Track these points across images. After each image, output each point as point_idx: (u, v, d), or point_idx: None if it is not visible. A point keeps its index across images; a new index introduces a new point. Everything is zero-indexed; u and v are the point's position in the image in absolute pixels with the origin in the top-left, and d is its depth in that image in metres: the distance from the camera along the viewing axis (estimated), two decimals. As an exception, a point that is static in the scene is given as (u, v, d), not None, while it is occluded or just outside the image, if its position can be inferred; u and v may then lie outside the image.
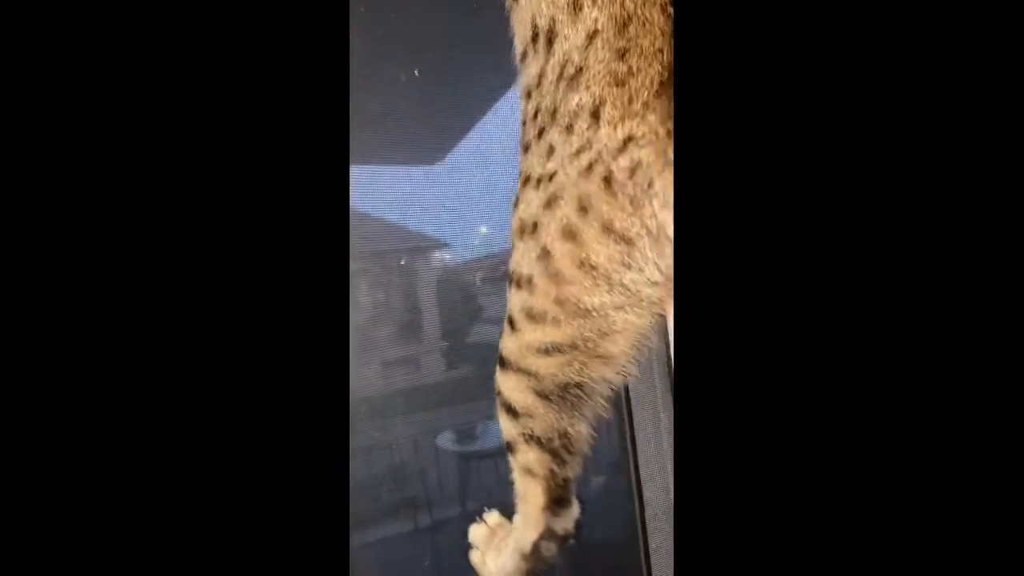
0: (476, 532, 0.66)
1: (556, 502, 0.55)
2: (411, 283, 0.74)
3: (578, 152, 0.46)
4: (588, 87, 0.45)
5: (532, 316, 0.49)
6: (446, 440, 0.82)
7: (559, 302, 0.47)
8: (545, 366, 0.49)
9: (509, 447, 0.55)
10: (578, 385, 0.50)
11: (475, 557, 0.65)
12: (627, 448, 0.85)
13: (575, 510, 0.57)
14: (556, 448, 0.52)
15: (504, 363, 0.53)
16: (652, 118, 0.44)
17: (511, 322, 0.52)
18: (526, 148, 0.52)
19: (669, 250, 0.44)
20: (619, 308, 0.46)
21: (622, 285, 0.46)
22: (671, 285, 0.44)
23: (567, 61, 0.47)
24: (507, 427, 0.54)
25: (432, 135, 0.89)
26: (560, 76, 0.47)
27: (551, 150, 0.48)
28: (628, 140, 0.45)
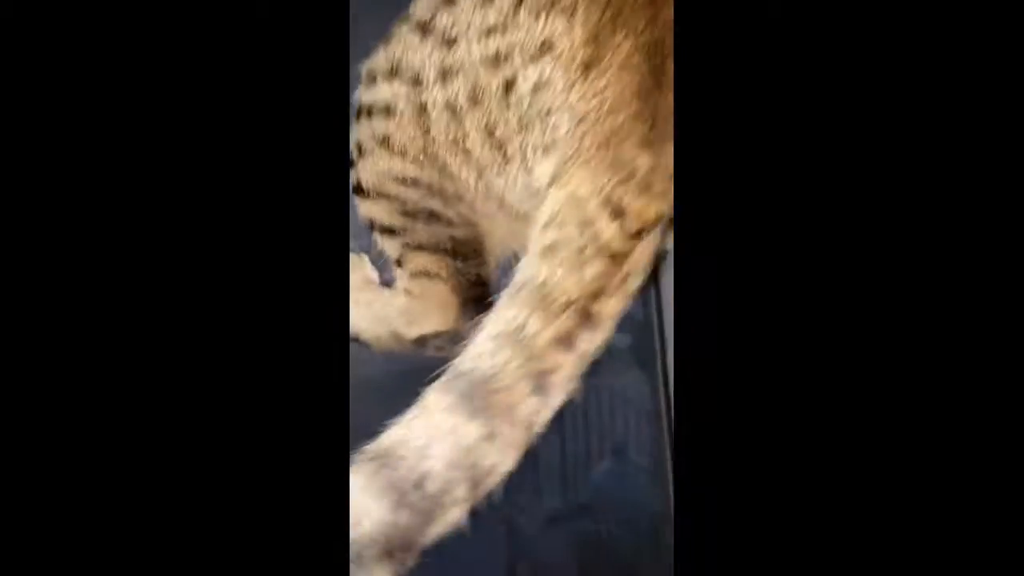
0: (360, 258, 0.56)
1: (475, 302, 0.48)
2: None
3: (489, 32, 0.41)
4: None
5: (390, 147, 0.45)
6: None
7: (426, 152, 0.44)
8: (407, 194, 0.46)
9: (397, 263, 0.49)
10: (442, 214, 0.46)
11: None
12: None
13: None
14: (450, 249, 0.47)
15: (364, 190, 0.47)
16: (578, 28, 0.39)
17: (360, 149, 0.47)
18: None
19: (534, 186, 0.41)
20: (483, 196, 0.44)
21: (488, 183, 0.43)
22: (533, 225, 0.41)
23: None
24: (389, 245, 0.49)
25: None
26: None
27: (451, 2, 0.43)
28: (544, 46, 0.39)
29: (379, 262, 0.55)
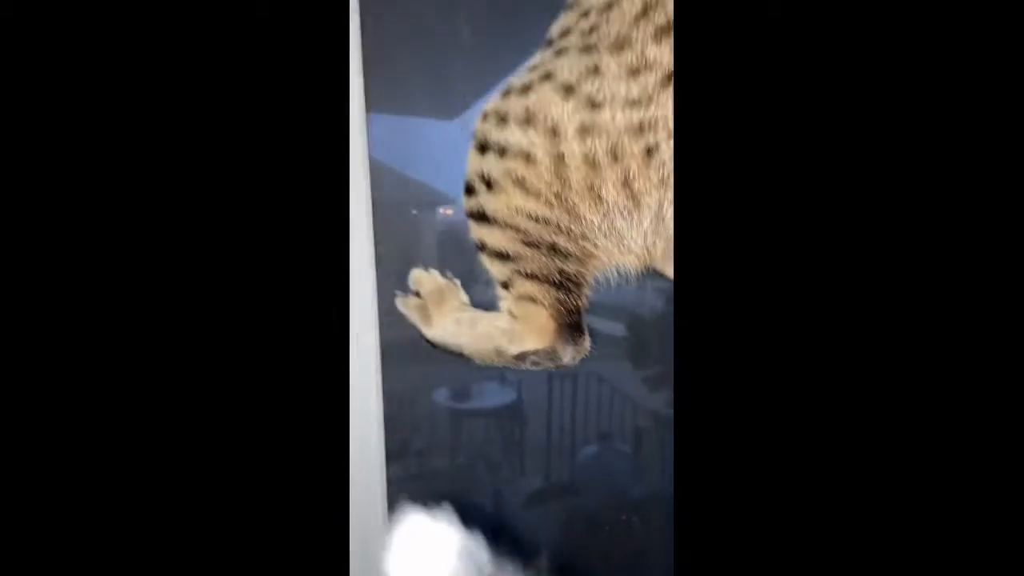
0: (422, 277, 0.60)
1: (570, 328, 0.54)
2: (416, 235, 0.73)
3: (634, 104, 0.46)
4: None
5: (523, 186, 0.49)
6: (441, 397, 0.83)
7: (557, 195, 0.48)
8: (534, 228, 0.50)
9: (504, 286, 0.54)
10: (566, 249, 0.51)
11: (409, 301, 0.60)
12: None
13: (587, 345, 0.56)
14: (557, 281, 0.52)
15: (488, 219, 0.52)
16: None
17: (488, 183, 0.51)
18: (551, 43, 0.50)
19: (663, 230, 0.48)
20: (605, 235, 0.49)
21: (612, 223, 0.48)
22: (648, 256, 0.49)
23: None
24: (498, 270, 0.54)
25: (455, 89, 0.87)
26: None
27: (596, 72, 0.47)
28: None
29: (470, 284, 0.61)
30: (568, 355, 0.54)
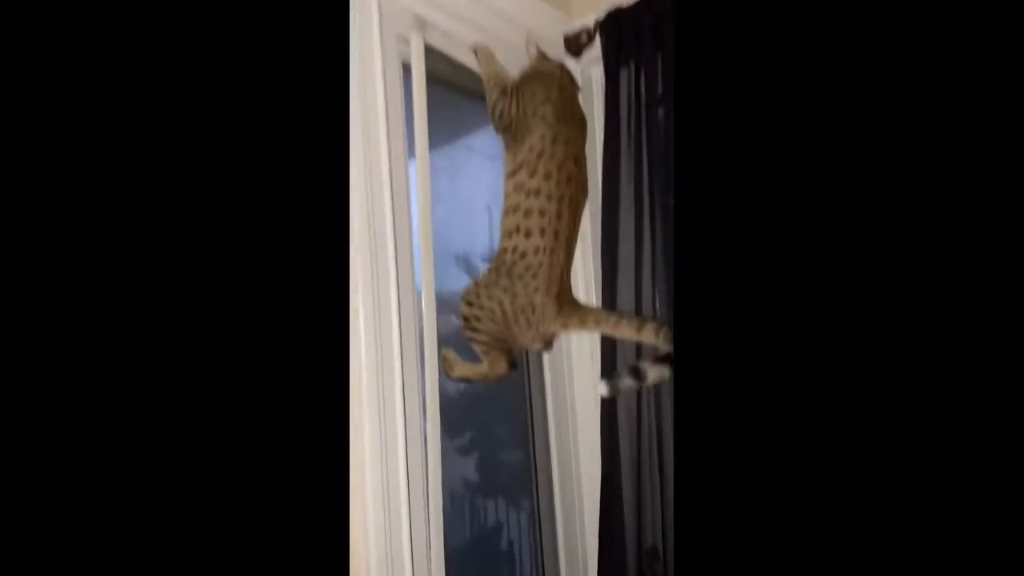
0: (449, 352, 1.14)
1: (511, 363, 1.14)
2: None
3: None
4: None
5: (492, 320, 1.08)
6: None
7: (505, 324, 1.08)
8: (497, 334, 1.10)
9: (485, 353, 1.11)
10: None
11: (448, 358, 1.14)
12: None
13: (514, 370, 1.15)
14: (503, 343, 1.10)
15: (475, 329, 1.09)
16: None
17: (475, 319, 1.09)
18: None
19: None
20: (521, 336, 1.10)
21: (524, 333, 1.09)
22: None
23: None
24: (479, 349, 1.11)
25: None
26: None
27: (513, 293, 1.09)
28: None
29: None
30: (511, 375, 1.14)
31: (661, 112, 1.21)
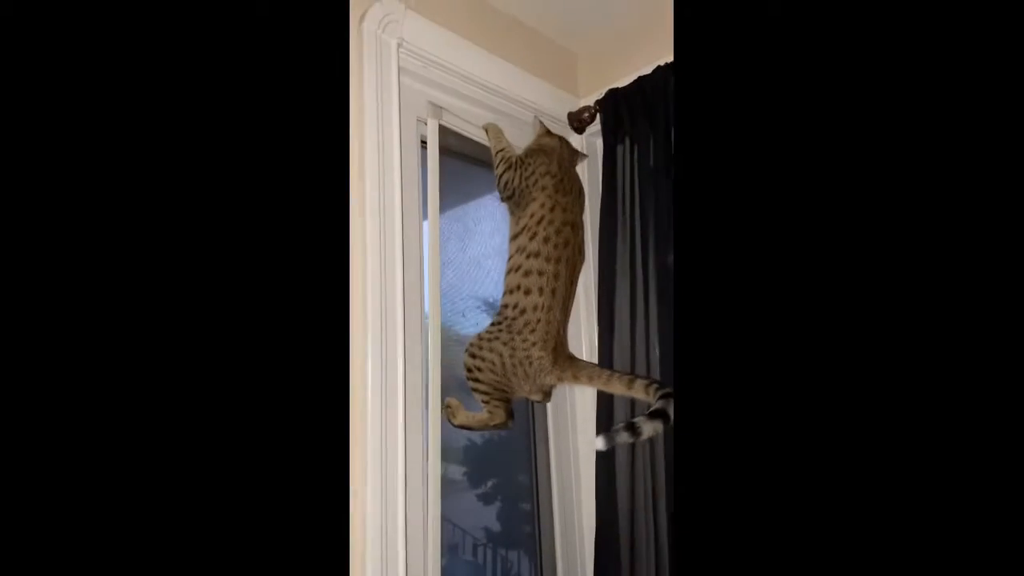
0: (452, 400, 1.24)
1: (509, 413, 1.26)
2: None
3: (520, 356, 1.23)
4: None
5: (493, 371, 1.23)
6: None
7: (503, 374, 1.23)
8: (496, 383, 1.23)
9: (484, 401, 1.25)
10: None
11: (451, 406, 1.24)
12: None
13: (512, 420, 1.28)
14: (503, 394, 1.24)
15: (477, 380, 1.23)
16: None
17: (477, 370, 1.23)
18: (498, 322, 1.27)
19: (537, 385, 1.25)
20: (519, 388, 1.25)
21: (521, 385, 1.24)
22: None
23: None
24: (480, 397, 1.25)
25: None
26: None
27: (513, 352, 1.23)
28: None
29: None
30: (509, 425, 1.25)
31: (653, 182, 1.32)
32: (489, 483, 1.52)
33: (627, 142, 1.37)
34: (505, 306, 1.21)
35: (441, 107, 1.30)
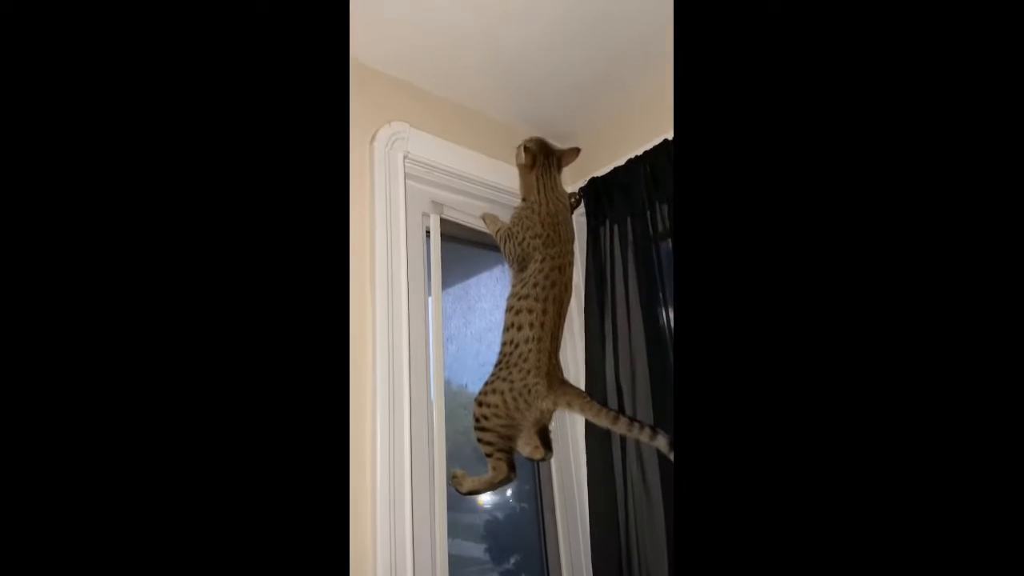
0: (457, 471, 1.34)
1: (511, 466, 1.35)
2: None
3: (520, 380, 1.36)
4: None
5: (497, 415, 1.34)
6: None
7: (509, 415, 1.35)
8: (502, 430, 1.34)
9: (488, 455, 1.35)
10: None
11: (457, 476, 1.33)
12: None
13: (515, 474, 1.36)
14: (507, 448, 1.35)
15: (483, 429, 1.34)
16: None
17: (484, 418, 1.34)
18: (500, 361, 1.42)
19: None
20: (521, 425, 1.37)
21: (524, 421, 1.36)
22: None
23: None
24: (486, 449, 1.35)
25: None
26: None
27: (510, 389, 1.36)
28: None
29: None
30: (512, 477, 1.35)
31: (631, 257, 1.48)
32: (512, 559, 1.56)
33: (607, 223, 1.54)
34: (503, 344, 1.37)
35: (442, 204, 1.50)
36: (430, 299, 1.40)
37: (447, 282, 1.43)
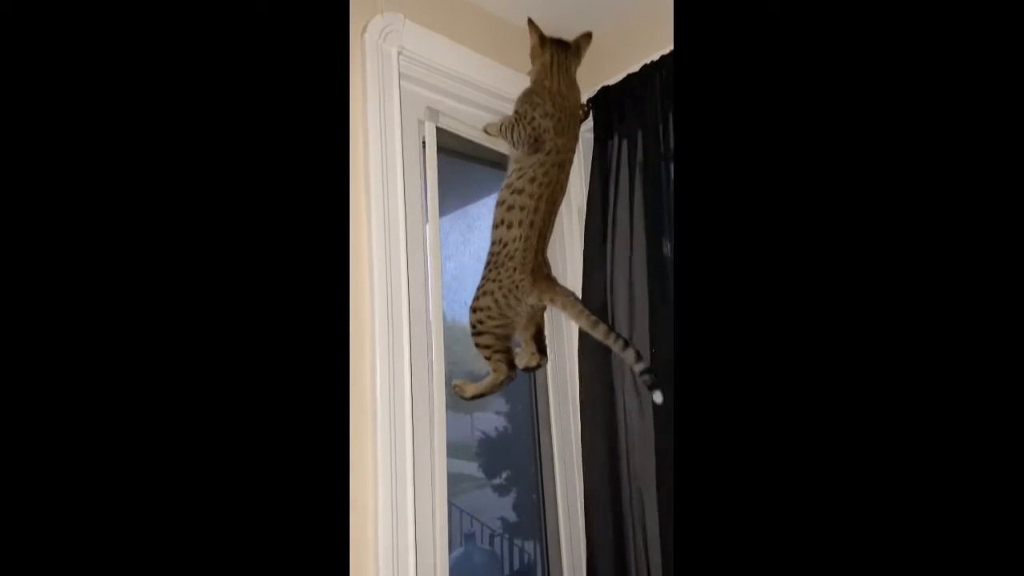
0: (460, 380, 1.36)
1: (510, 365, 1.37)
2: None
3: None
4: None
5: (490, 316, 1.34)
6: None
7: (502, 314, 1.34)
8: (496, 330, 1.35)
9: (488, 359, 1.36)
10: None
11: (459, 385, 1.37)
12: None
13: (515, 373, 1.38)
14: (504, 348, 1.36)
15: (479, 332, 1.35)
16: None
17: (479, 323, 1.35)
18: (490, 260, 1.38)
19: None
20: (515, 323, 1.36)
21: (518, 315, 1.34)
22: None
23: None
24: (484, 353, 1.36)
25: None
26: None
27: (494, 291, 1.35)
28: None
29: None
30: (513, 376, 1.36)
31: (639, 176, 1.39)
32: (503, 475, 1.60)
33: (615, 137, 1.43)
34: (492, 243, 1.34)
35: (438, 111, 1.37)
36: (427, 226, 1.30)
37: (444, 208, 1.33)
